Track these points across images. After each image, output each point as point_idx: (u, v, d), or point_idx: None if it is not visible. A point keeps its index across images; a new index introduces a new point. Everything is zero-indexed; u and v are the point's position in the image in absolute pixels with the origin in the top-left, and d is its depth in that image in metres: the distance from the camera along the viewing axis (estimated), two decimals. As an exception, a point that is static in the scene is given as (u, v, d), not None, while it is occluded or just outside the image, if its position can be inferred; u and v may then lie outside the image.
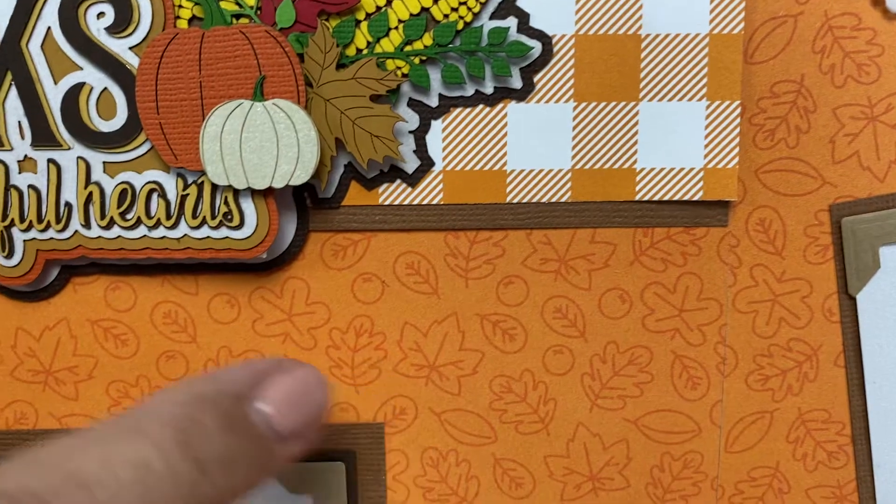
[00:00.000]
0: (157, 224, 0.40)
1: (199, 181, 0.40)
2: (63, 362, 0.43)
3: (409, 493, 0.44)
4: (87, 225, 0.40)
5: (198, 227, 0.40)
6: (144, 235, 0.40)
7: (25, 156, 0.40)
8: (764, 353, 0.43)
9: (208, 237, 0.40)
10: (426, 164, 0.41)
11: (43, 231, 0.40)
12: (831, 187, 0.41)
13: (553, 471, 0.44)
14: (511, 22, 0.39)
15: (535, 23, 0.39)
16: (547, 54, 0.39)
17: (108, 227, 0.40)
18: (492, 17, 0.39)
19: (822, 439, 0.44)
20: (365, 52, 0.39)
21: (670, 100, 0.40)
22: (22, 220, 0.40)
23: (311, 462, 0.44)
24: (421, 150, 0.40)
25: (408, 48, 0.39)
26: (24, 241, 0.40)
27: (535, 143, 0.40)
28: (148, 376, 0.43)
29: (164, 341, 0.43)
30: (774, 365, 0.43)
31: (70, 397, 0.43)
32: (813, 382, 0.43)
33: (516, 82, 0.40)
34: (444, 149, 0.40)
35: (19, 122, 0.39)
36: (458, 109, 0.40)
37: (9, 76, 0.39)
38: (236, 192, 0.39)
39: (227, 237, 0.40)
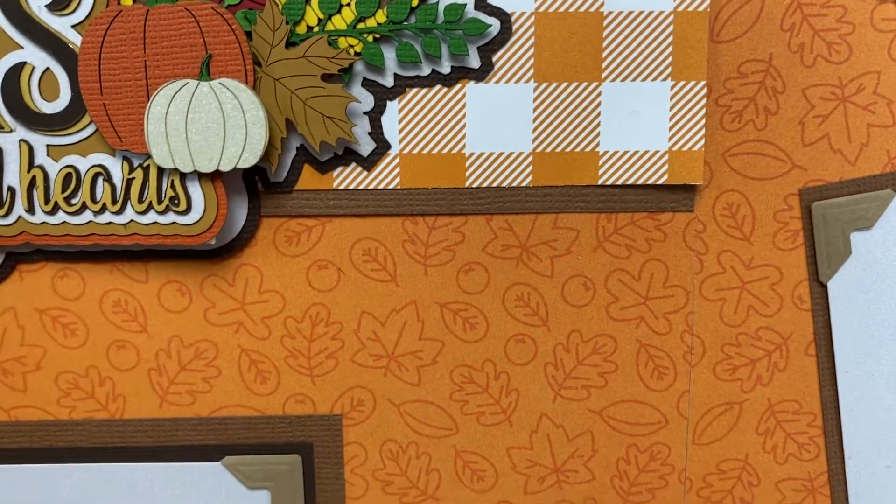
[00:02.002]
0: (103, 209, 0.39)
1: (145, 164, 0.38)
2: (10, 352, 0.42)
3: (368, 487, 0.43)
4: (31, 210, 0.39)
5: (144, 212, 0.39)
6: (90, 221, 0.39)
7: (-35, 138, 0.39)
8: (732, 342, 0.42)
9: (155, 222, 0.39)
10: (382, 146, 0.39)
11: (-15, 217, 0.39)
12: (801, 171, 0.40)
13: (516, 463, 0.43)
14: (468, -1, 0.37)
15: (492, -1, 0.38)
16: (505, 32, 0.38)
17: (52, 213, 0.39)
18: (448, -6, 0.37)
19: (793, 431, 0.43)
20: (316, 29, 0.37)
21: (634, 80, 0.39)
22: (-36, 205, 0.39)
23: (267, 455, 0.42)
24: (376, 132, 0.39)
25: (360, 25, 0.37)
26: (-34, 226, 0.39)
27: (495, 125, 0.39)
28: (98, 367, 0.42)
29: (115, 330, 0.41)
30: (743, 354, 0.42)
31: (18, 389, 0.42)
32: (783, 372, 0.42)
33: (474, 62, 0.38)
34: (400, 131, 0.39)
35: (-42, 103, 0.38)
36: (415, 90, 0.39)
37: (-54, 55, 0.38)
38: (183, 176, 0.38)
39: (174, 222, 0.38)
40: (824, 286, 0.41)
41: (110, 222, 0.39)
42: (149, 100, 0.37)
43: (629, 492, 0.43)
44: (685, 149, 0.39)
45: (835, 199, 0.40)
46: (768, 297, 0.41)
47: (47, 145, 0.39)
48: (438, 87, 0.38)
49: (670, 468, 0.43)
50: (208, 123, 0.37)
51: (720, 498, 0.43)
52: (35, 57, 0.38)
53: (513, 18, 0.38)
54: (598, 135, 0.39)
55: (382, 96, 0.39)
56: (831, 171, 0.40)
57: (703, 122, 0.39)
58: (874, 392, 0.42)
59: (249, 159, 0.37)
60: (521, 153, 0.39)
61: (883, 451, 0.42)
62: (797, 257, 0.41)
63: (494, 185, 0.40)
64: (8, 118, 0.38)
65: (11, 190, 0.39)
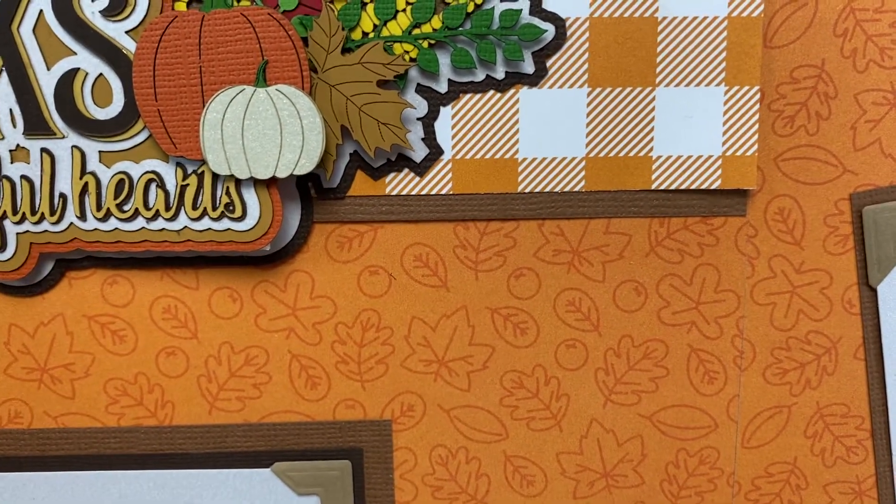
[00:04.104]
0: (156, 216, 0.39)
1: (200, 171, 0.38)
2: (59, 359, 0.41)
3: (418, 492, 0.43)
4: (82, 217, 0.39)
5: (198, 219, 0.38)
6: (142, 227, 0.39)
7: (17, 145, 0.38)
8: (782, 346, 0.42)
9: (209, 229, 0.39)
10: (435, 152, 0.39)
11: (37, 223, 0.39)
12: (852, 175, 0.40)
13: (566, 468, 0.43)
14: (523, 4, 0.37)
15: (548, 5, 0.37)
16: (560, 38, 0.38)
17: (104, 219, 0.39)
18: (503, -1, 0.37)
19: (841, 434, 0.43)
20: (371, 35, 0.37)
21: (687, 85, 0.39)
22: (14, 212, 0.39)
23: (317, 461, 0.42)
24: (430, 137, 0.39)
25: (416, 31, 0.37)
26: (17, 234, 0.39)
27: (548, 130, 0.39)
28: (147, 374, 0.42)
29: (164, 337, 0.41)
30: (793, 358, 0.42)
31: (66, 395, 0.42)
32: (832, 376, 0.42)
33: (528, 67, 0.38)
34: (453, 136, 0.39)
35: (10, 109, 0.38)
36: (468, 95, 0.38)
37: (-1, 61, 0.37)
38: (238, 182, 0.38)
39: (228, 229, 0.38)
40: (874, 290, 0.41)
41: (163, 229, 0.39)
42: (204, 106, 0.37)
43: (678, 495, 0.43)
44: (738, 153, 0.39)
45: (886, 204, 0.40)
46: (818, 301, 0.41)
47: (100, 151, 0.38)
48: (492, 92, 0.38)
49: (719, 472, 0.43)
50: (265, 130, 0.37)
51: (768, 501, 0.43)
52: (89, 63, 0.38)
53: (568, 24, 0.38)
54: (651, 140, 0.39)
55: (436, 102, 0.39)
56: (882, 176, 0.40)
57: (757, 126, 0.39)
58: (922, 395, 0.42)
59: (306, 166, 0.37)
60: (574, 158, 0.39)
61: (931, 454, 0.43)
62: (847, 261, 0.41)
63: (547, 189, 0.40)
64: (61, 124, 0.38)
65: (63, 196, 0.39)
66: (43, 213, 0.39)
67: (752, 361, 0.42)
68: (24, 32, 0.37)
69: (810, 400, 0.42)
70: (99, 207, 0.39)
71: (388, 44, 0.37)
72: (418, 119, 0.39)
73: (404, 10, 0.37)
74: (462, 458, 0.43)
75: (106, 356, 0.41)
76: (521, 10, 0.37)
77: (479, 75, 0.38)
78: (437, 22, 0.37)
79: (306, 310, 0.41)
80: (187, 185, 0.38)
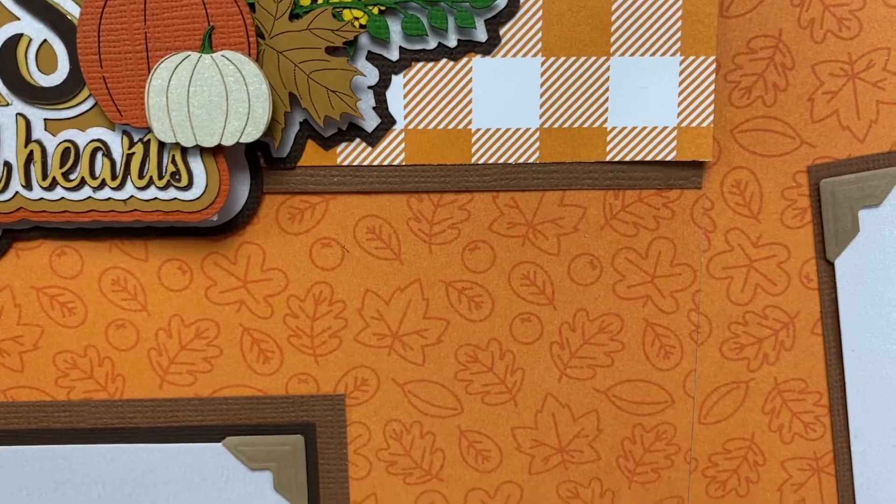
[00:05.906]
0: (103, 184, 0.38)
1: (146, 139, 0.38)
2: (6, 332, 0.41)
3: (372, 467, 0.43)
4: (28, 186, 0.38)
5: (145, 188, 0.38)
6: (89, 197, 0.38)
7: (-40, 112, 0.38)
8: (739, 320, 0.41)
9: (156, 198, 0.38)
10: (387, 121, 0.39)
11: (-19, 193, 0.38)
12: (810, 147, 0.40)
13: (521, 443, 0.42)
14: (475, -30, 0.37)
15: (500, -28, 0.37)
16: (513, 5, 0.37)
17: (50, 189, 0.38)
18: (455, -34, 0.37)
19: (799, 410, 0.42)
20: (320, 1, 0.37)
21: (643, 55, 0.38)
22: (-41, 180, 0.38)
23: (269, 436, 0.42)
24: (381, 106, 0.38)
25: (366, -2, 0.37)
26: (-39, 202, 0.38)
27: (502, 100, 0.38)
28: (97, 346, 0.41)
29: (114, 309, 0.41)
30: (750, 333, 0.41)
31: (15, 369, 0.41)
32: (789, 351, 0.42)
33: (481, 35, 0.38)
34: (405, 106, 0.38)
35: (-47, 75, 0.37)
36: (420, 63, 0.38)
37: (-60, 26, 0.37)
38: (184, 151, 0.37)
39: (175, 198, 0.38)
40: (832, 264, 0.41)
41: (110, 198, 0.38)
42: (150, 73, 0.36)
43: (634, 471, 0.43)
44: (694, 125, 0.39)
45: (843, 177, 0.40)
46: (776, 275, 0.41)
47: (45, 119, 0.38)
48: (444, 60, 0.38)
49: (676, 448, 0.43)
50: (211, 97, 0.36)
51: (726, 478, 0.43)
52: (32, 28, 0.37)
53: (520, -9, 0.37)
54: (606, 110, 0.39)
55: (387, 70, 0.38)
56: (840, 148, 0.40)
57: (712, 97, 0.38)
58: (880, 371, 0.42)
59: (252, 133, 0.36)
60: (528, 129, 0.39)
61: (888, 431, 0.42)
62: (805, 235, 0.41)
63: (501, 161, 0.39)
64: (4, 91, 0.37)
65: (8, 165, 0.38)
66: (-13, 182, 0.38)
67: (709, 336, 0.41)
68: (-34, -4, 0.36)
69: (768, 375, 0.42)
70: (45, 176, 0.38)
71: (337, 10, 0.37)
72: (369, 87, 0.38)
73: (354, -24, 0.37)
74: (416, 433, 0.42)
75: (55, 328, 0.41)
76: (473, -24, 0.37)
77: (431, 43, 0.38)
78: (387, -12, 0.37)
79: (257, 282, 0.40)
80: (133, 153, 0.38)
